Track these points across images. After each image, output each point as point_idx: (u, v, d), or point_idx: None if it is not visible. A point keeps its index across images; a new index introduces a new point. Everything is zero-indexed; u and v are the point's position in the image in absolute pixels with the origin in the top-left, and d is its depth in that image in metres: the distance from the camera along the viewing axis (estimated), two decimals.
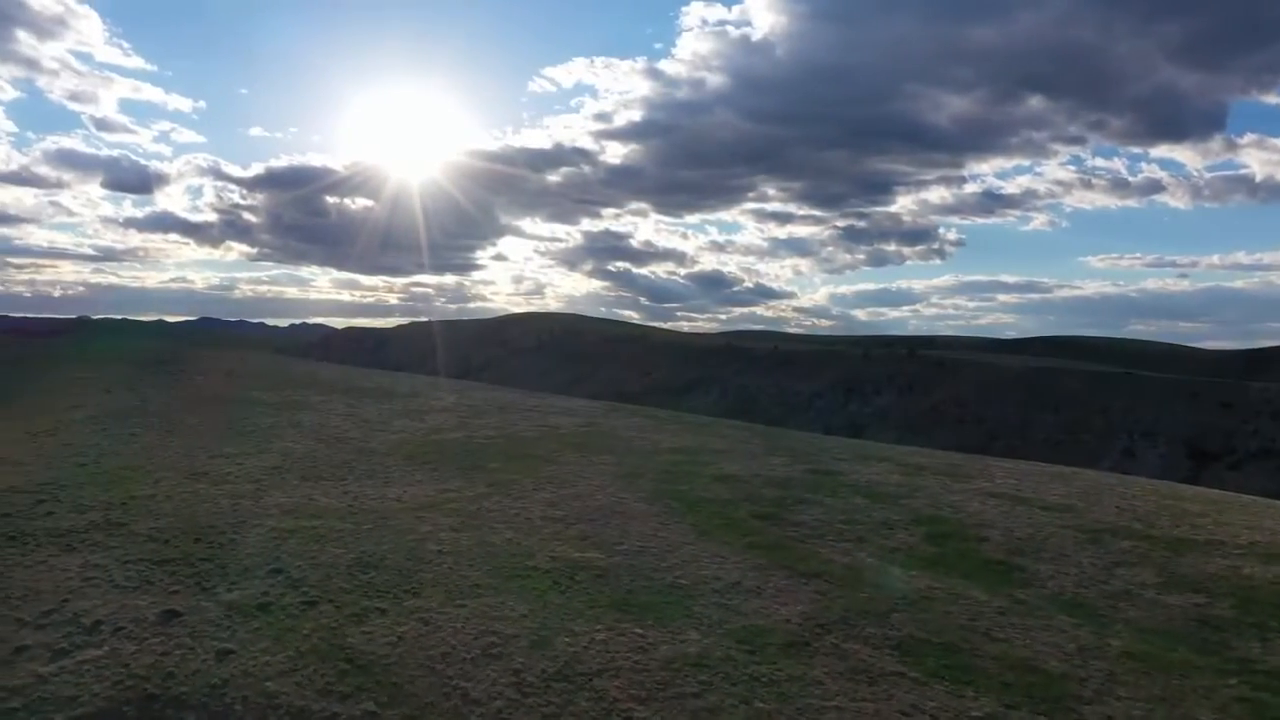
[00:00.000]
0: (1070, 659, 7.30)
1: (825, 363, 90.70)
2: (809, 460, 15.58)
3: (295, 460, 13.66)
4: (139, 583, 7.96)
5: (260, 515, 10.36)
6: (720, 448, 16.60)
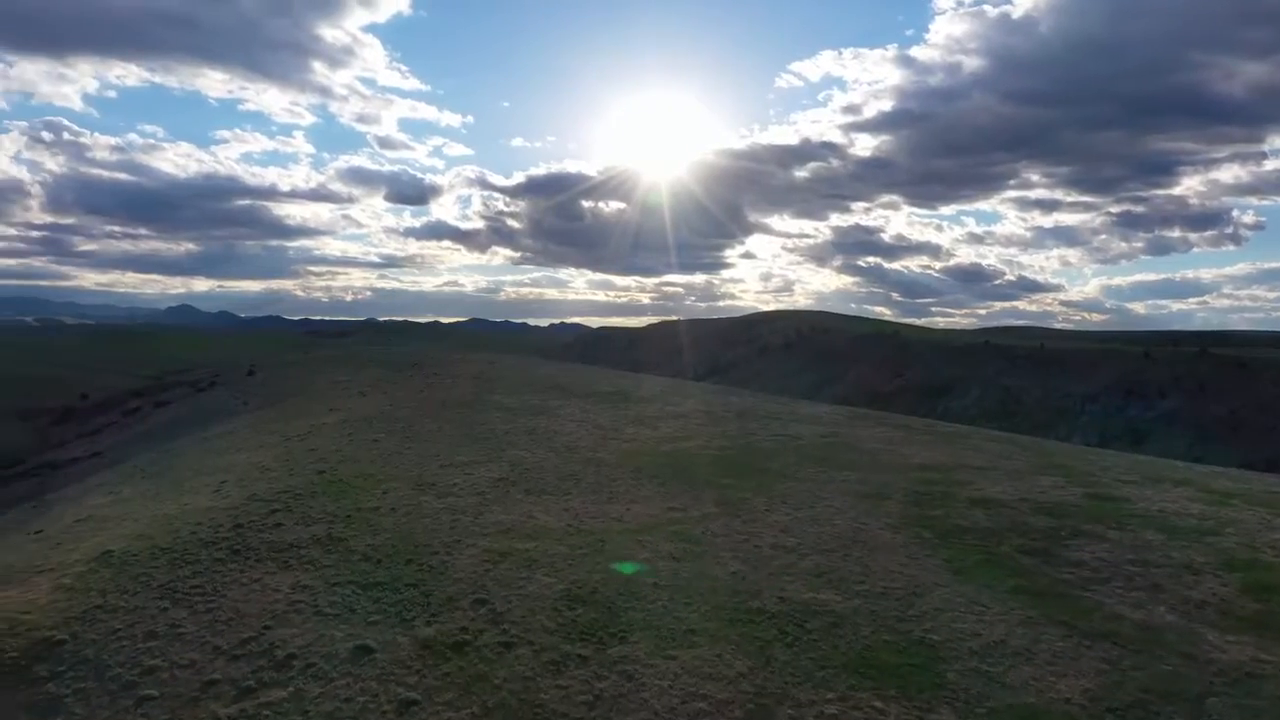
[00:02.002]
0: None
1: (1099, 362, 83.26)
2: (1087, 481, 13.46)
3: (523, 471, 13.31)
4: (341, 610, 7.63)
5: (476, 534, 9.93)
6: (979, 464, 14.75)
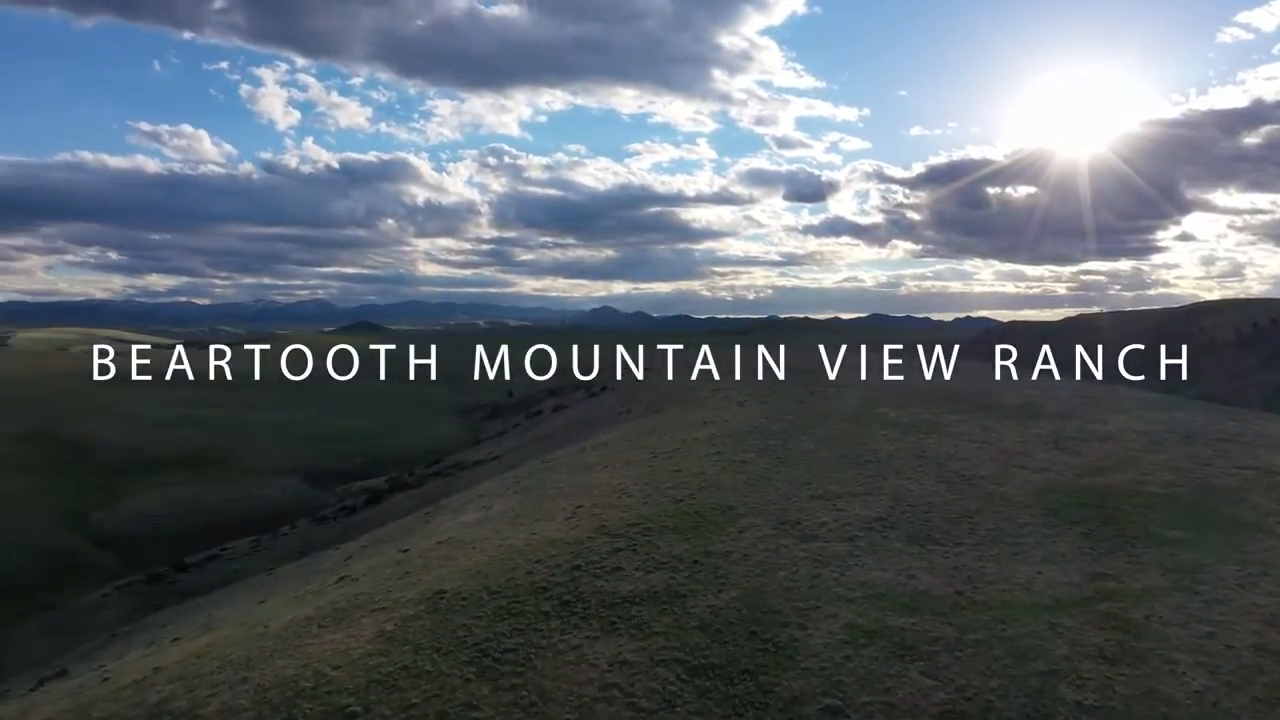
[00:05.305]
0: None
1: None
2: None
3: (906, 508, 11.21)
4: (660, 703, 6.22)
5: (839, 599, 8.10)
6: None
